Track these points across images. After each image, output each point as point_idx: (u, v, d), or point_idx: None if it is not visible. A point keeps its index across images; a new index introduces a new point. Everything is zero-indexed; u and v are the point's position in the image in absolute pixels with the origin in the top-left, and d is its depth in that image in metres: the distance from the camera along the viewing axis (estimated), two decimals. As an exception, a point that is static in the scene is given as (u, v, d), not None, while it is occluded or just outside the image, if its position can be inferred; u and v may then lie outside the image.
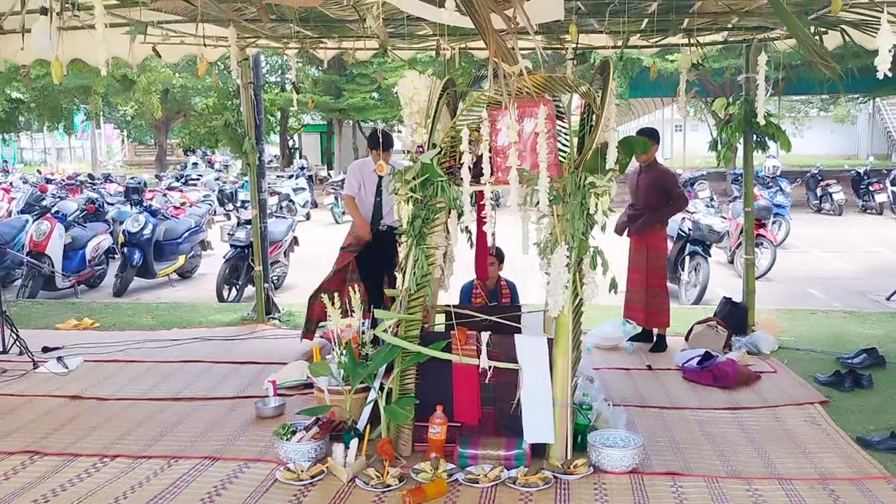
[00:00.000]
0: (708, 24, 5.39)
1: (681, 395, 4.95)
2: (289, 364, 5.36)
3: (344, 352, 4.16)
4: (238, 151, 6.61)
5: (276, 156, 37.75)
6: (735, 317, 6.13)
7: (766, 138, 6.01)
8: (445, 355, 3.90)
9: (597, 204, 3.63)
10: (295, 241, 9.74)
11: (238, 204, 13.06)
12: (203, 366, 5.68)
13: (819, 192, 17.63)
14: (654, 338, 6.07)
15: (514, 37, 3.17)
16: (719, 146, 6.12)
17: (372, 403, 4.08)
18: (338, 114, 25.36)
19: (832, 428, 4.33)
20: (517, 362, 3.89)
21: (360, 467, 3.78)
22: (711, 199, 14.50)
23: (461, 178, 3.80)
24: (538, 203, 3.76)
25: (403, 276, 3.95)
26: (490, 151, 3.79)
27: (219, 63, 25.98)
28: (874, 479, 3.64)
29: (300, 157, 34.84)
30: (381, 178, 5.98)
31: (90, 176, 18.91)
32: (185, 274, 10.29)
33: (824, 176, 18.10)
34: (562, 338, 3.87)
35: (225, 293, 8.48)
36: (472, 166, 3.77)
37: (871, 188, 17.06)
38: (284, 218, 9.55)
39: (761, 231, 9.57)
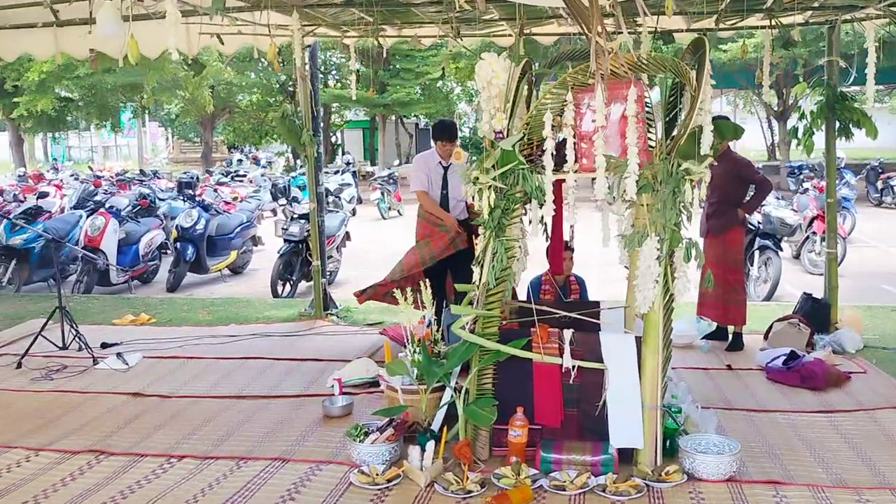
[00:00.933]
0: (792, 3, 5.08)
1: (767, 397, 4.67)
2: (353, 361, 5.19)
3: (417, 349, 3.97)
4: (296, 143, 6.46)
5: (319, 152, 37.96)
6: (817, 314, 5.82)
7: (850, 125, 5.67)
8: (527, 354, 3.68)
9: (693, 192, 3.38)
10: (347, 236, 9.61)
11: (291, 198, 12.97)
12: (264, 363, 5.55)
13: (880, 184, 17.01)
14: (731, 336, 5.78)
15: (619, 8, 2.94)
16: (799, 134, 5.79)
17: (446, 404, 3.88)
18: (381, 109, 25.23)
19: (942, 434, 4.03)
20: (602, 361, 3.67)
21: (438, 471, 3.58)
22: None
23: (542, 166, 3.58)
24: (624, 192, 3.53)
25: (481, 270, 3.74)
26: (574, 137, 3.56)
27: (263, 58, 26.12)
28: None
29: (343, 153, 34.91)
30: (446, 170, 5.80)
31: (142, 172, 19.04)
32: (236, 269, 10.23)
33: (885, 168, 17.47)
34: (651, 336, 3.63)
35: (279, 288, 8.37)
36: (554, 153, 3.55)
37: (890, 181, 16.40)
38: (337, 212, 9.41)
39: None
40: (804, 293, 6.11)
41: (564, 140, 3.56)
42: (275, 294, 8.29)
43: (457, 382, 3.86)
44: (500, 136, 3.56)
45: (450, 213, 5.81)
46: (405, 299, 4.11)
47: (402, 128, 30.31)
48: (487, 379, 3.77)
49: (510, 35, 6.16)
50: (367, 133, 32.70)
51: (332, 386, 4.78)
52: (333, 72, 30.73)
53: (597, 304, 4.26)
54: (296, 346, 6.04)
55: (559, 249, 4.64)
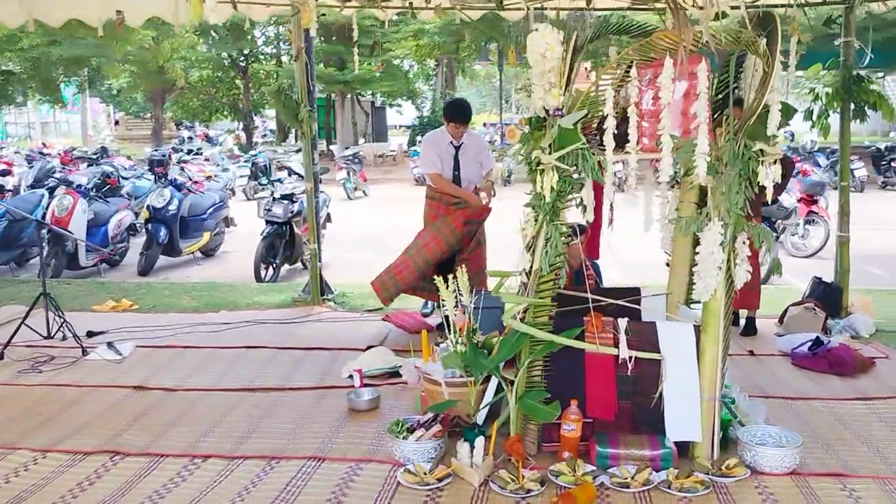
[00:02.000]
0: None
1: (799, 384, 4.58)
2: (369, 350, 4.95)
3: (460, 340, 3.75)
4: (292, 120, 6.14)
5: (271, 130, 37.06)
6: (829, 298, 5.77)
7: (866, 107, 5.61)
8: (581, 344, 3.49)
9: (768, 174, 3.22)
10: (328, 217, 9.30)
11: (273, 178, 12.50)
12: (268, 352, 5.25)
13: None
14: (743, 321, 5.70)
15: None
16: (814, 117, 5.71)
17: (498, 398, 3.68)
18: (340, 86, 24.72)
19: None
20: (659, 351, 3.50)
21: (489, 469, 3.38)
22: None
23: (600, 146, 3.38)
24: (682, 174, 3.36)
25: (532, 256, 3.53)
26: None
27: (216, 31, 25.25)
28: None
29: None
30: (457, 150, 5.57)
31: (103, 150, 18.24)
32: (208, 252, 9.83)
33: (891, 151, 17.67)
34: (712, 325, 3.48)
35: (262, 272, 8.03)
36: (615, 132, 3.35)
37: (892, 164, 16.76)
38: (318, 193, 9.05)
39: (813, 208, 9.22)
40: (815, 277, 6.07)
41: (623, 119, 3.37)
42: (258, 278, 7.96)
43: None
44: (559, 113, 3.34)
45: None
46: (445, 287, 3.86)
47: (359, 106, 29.77)
48: (537, 371, 3.57)
49: (521, 8, 5.91)
50: (323, 111, 32.01)
51: (351, 377, 4.54)
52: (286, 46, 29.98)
53: (637, 290, 4.09)
54: (297, 333, 5.76)
55: (597, 235, 4.46)
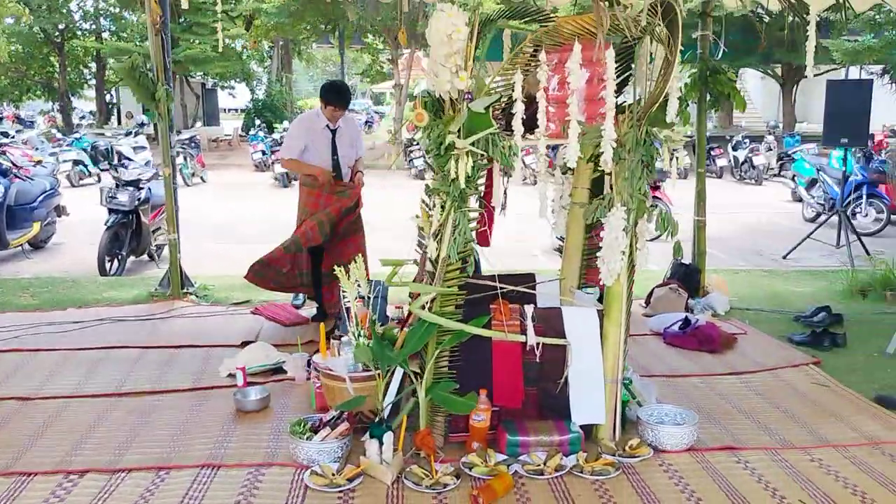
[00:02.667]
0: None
1: (675, 362, 4.79)
2: (248, 346, 4.66)
3: (362, 332, 3.59)
4: (147, 100, 5.65)
5: (91, 112, 34.50)
6: (689, 278, 6.09)
7: (719, 98, 5.94)
8: (491, 333, 3.44)
9: (673, 161, 3.30)
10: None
11: (116, 162, 11.50)
12: (133, 352, 4.83)
13: (742, 157, 18.00)
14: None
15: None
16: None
17: (409, 391, 3.55)
18: (172, 66, 23.34)
19: (842, 389, 4.31)
20: (565, 337, 3.52)
21: (399, 465, 3.26)
22: None
23: (506, 131, 3.34)
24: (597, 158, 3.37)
25: (438, 244, 3.42)
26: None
27: (25, 3, 23.08)
28: (921, 440, 3.63)
29: (119, 114, 32.02)
30: (334, 133, 5.36)
31: None
32: (38, 244, 8.94)
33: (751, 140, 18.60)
34: (615, 309, 3.53)
35: (107, 265, 7.40)
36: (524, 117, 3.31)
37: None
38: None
39: (657, 193, 9.71)
40: (674, 259, 6.37)
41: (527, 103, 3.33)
42: (103, 272, 7.31)
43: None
44: (469, 97, 3.25)
45: (342, 178, 5.40)
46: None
47: (188, 87, 28.27)
48: (444, 361, 3.49)
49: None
50: (149, 93, 30.05)
51: (231, 375, 4.27)
52: (109, 22, 28.00)
53: (532, 276, 4.09)
54: (162, 331, 5.33)
55: (491, 223, 4.42)
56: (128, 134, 16.36)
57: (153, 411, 3.91)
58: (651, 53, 3.50)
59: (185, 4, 5.82)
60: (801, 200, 12.30)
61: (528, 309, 3.52)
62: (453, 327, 3.38)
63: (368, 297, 3.77)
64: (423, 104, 4.01)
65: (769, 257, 8.67)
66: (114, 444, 3.51)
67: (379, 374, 3.46)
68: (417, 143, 19.29)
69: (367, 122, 32.44)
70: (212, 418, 3.82)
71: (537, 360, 3.49)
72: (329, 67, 46.07)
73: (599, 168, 3.57)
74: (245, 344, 4.91)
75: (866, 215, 10.09)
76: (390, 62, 24.41)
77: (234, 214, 11.32)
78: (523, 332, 3.49)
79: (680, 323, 5.20)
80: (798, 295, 6.53)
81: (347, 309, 3.67)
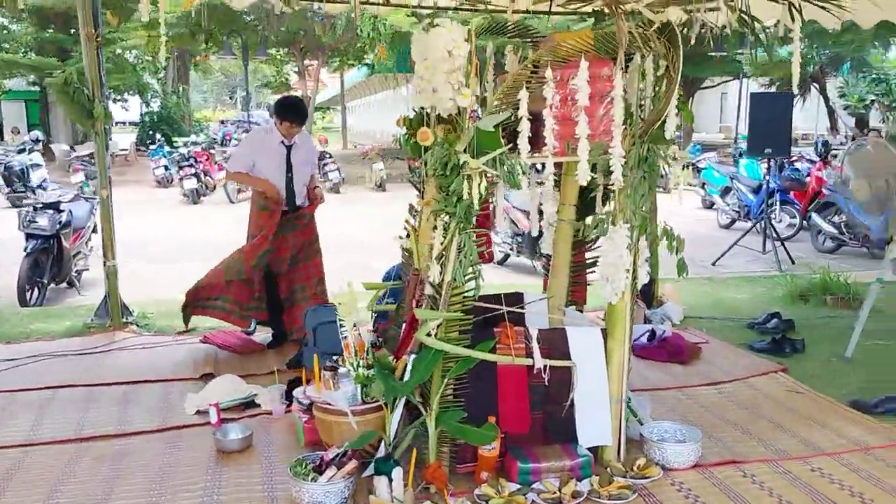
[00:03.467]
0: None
1: (650, 375, 4.80)
2: (215, 380, 4.37)
3: (361, 363, 3.40)
4: (82, 118, 5.26)
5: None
6: (644, 290, 6.14)
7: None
8: (499, 357, 3.32)
9: (681, 178, 3.28)
10: (95, 227, 8.19)
11: (32, 184, 10.64)
12: (82, 392, 4.45)
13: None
14: (573, 316, 5.87)
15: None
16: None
17: (418, 424, 3.37)
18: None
19: (816, 395, 4.42)
20: (570, 358, 3.44)
21: (412, 502, 3.10)
22: None
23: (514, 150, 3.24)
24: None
25: (442, 267, 3.28)
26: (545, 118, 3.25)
27: None
28: (908, 444, 3.75)
29: (14, 131, 30.16)
30: (289, 150, 5.14)
31: None
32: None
33: None
34: (618, 327, 3.49)
35: (27, 295, 6.85)
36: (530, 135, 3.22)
37: None
38: (84, 200, 7.95)
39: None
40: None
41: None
42: (23, 302, 6.77)
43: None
44: (476, 115, 3.14)
45: (296, 198, 5.18)
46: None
47: (81, 101, 26.80)
48: (449, 389, 3.35)
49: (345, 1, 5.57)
50: (36, 106, 28.42)
51: (199, 412, 4.00)
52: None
53: (521, 295, 4.00)
54: (107, 366, 4.94)
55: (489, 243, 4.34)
56: (21, 151, 15.31)
57: (124, 457, 3.60)
58: (643, 70, 3.49)
59: (112, 21, 5.45)
60: (711, 207, 12.77)
61: (534, 331, 3.42)
62: (462, 354, 3.25)
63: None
64: (405, 122, 3.90)
65: (699, 264, 8.89)
66: (95, 498, 3.19)
67: (386, 406, 3.29)
68: (331, 156, 19.00)
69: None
70: (192, 462, 3.54)
71: (546, 383, 3.40)
72: (226, 79, 44.94)
73: (593, 184, 3.55)
74: (206, 377, 4.63)
75: (780, 221, 10.52)
76: (297, 73, 23.95)
77: (141, 232, 10.73)
78: (528, 354, 3.39)
79: (647, 335, 5.23)
80: (742, 302, 6.71)
81: (345, 338, 3.48)
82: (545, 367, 3.38)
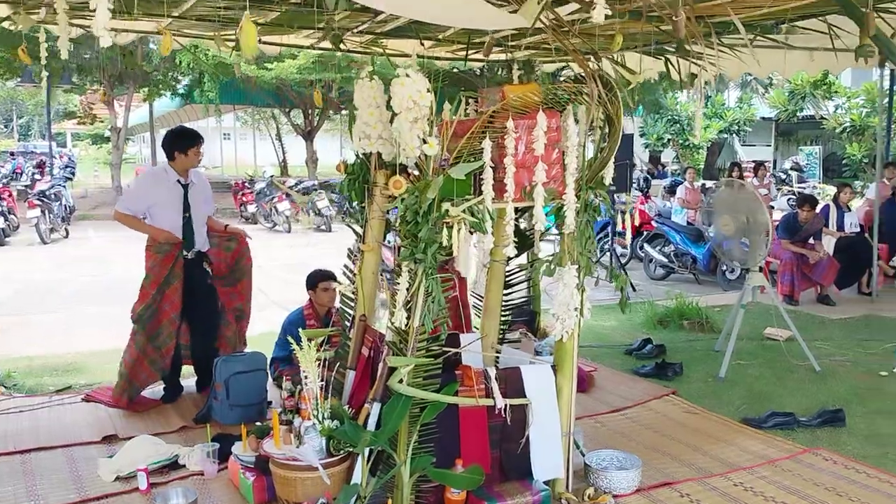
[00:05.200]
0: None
1: (559, 405, 5.02)
2: (130, 442, 4.05)
3: (325, 414, 3.32)
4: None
5: None
6: (530, 321, 6.41)
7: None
8: (465, 400, 3.38)
9: (626, 220, 3.52)
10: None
11: None
12: (-30, 465, 3.95)
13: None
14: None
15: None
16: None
17: (360, 474, 3.32)
18: None
19: (709, 414, 4.84)
20: (525, 395, 3.57)
21: (392, 552, 3.08)
22: None
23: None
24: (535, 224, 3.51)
25: (409, 313, 3.30)
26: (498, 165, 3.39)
27: None
28: (802, 454, 4.21)
29: None
30: (186, 188, 4.90)
31: None
32: None
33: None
34: (567, 363, 3.67)
35: None
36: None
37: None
38: None
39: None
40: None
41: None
42: None
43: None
44: (445, 163, 3.20)
45: (195, 239, 4.94)
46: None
47: None
48: (413, 435, 3.35)
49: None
50: None
51: (120, 479, 3.71)
52: None
53: (456, 335, 4.08)
54: (-13, 433, 4.43)
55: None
56: None
57: (53, 537, 3.26)
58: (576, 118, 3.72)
59: None
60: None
61: (492, 371, 3.52)
62: (431, 399, 3.28)
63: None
64: (345, 167, 3.90)
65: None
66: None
67: (354, 457, 3.23)
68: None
69: (66, 166, 29.54)
70: (136, 534, 3.28)
71: (508, 422, 3.49)
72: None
73: (528, 227, 3.73)
74: (110, 438, 4.29)
75: (614, 250, 11.34)
76: (105, 104, 22.54)
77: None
78: (488, 395, 3.48)
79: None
80: (611, 329, 7.18)
81: (298, 391, 3.39)
82: (506, 406, 3.48)
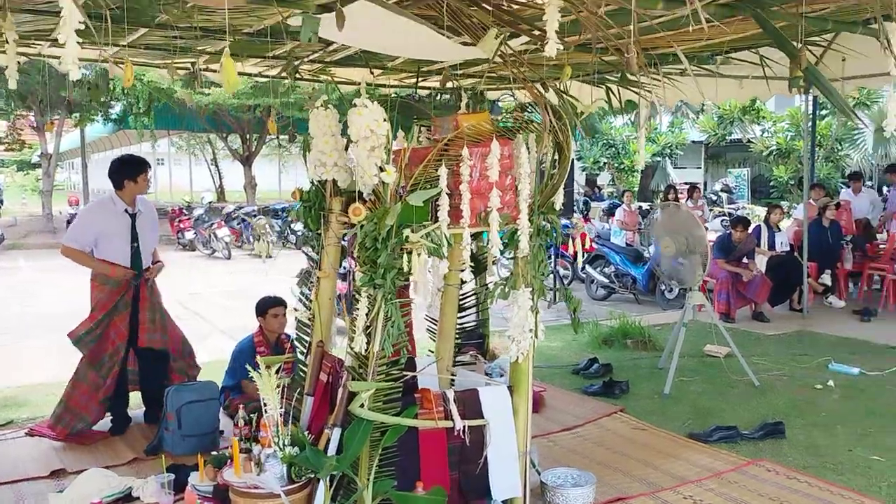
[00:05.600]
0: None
1: (512, 426, 5.10)
2: (81, 476, 3.97)
3: (285, 441, 3.32)
4: None
5: None
6: (481, 345, 6.49)
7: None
8: (425, 423, 3.43)
9: (578, 245, 3.65)
10: None
11: None
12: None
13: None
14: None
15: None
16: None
17: (323, 500, 3.34)
18: None
19: (657, 430, 4.99)
20: (482, 416, 3.63)
21: (357, 577, 3.09)
22: None
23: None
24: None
25: (369, 338, 3.34)
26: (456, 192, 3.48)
27: None
28: (747, 465, 4.37)
29: None
30: (133, 218, 4.86)
31: None
32: None
33: None
34: (522, 383, 3.75)
35: None
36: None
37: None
38: None
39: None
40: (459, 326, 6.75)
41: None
42: None
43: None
44: (403, 190, 3.27)
45: (142, 269, 4.88)
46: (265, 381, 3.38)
47: None
48: (374, 459, 3.38)
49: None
50: None
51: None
52: None
53: (412, 359, 4.12)
54: (-73, 472, 4.27)
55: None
56: None
57: (5, 575, 3.18)
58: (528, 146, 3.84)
59: None
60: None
61: (450, 393, 3.58)
62: (392, 422, 3.32)
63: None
64: (300, 194, 3.93)
65: (498, 317, 9.50)
66: None
67: (316, 483, 3.24)
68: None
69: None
70: (93, 569, 3.22)
71: (466, 443, 3.55)
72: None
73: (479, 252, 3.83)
74: (58, 473, 4.20)
75: (557, 272, 11.55)
76: (34, 129, 21.96)
77: None
78: (447, 417, 3.54)
79: (499, 388, 5.54)
80: (557, 349, 7.32)
81: (250, 418, 3.40)
82: (464, 427, 3.54)
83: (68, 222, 17.88)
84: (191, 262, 15.53)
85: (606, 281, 10.71)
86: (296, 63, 4.43)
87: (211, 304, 10.21)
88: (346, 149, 3.80)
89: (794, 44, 3.24)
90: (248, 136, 22.06)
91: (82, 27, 2.19)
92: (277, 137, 20.67)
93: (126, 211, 4.84)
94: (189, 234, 17.27)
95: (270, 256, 14.41)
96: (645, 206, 16.02)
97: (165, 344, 5.00)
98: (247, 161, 22.25)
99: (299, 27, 2.85)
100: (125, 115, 21.07)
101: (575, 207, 12.49)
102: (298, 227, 17.27)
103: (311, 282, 3.99)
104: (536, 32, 3.57)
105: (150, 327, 4.89)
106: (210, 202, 19.05)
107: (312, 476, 3.31)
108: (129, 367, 5.00)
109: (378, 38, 3.74)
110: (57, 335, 7.59)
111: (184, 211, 18.50)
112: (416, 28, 3.54)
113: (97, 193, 35.46)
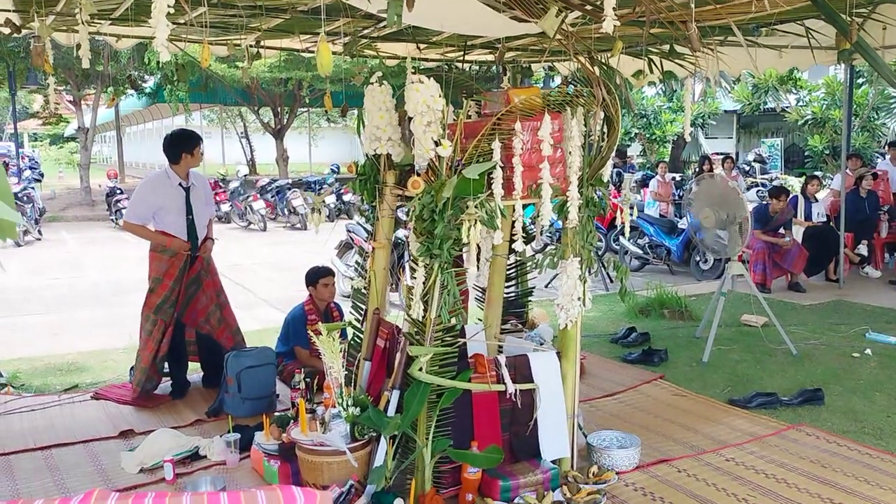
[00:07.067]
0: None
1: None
2: (151, 435, 4.19)
3: (350, 402, 3.51)
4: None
5: None
6: (521, 314, 6.64)
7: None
8: (478, 385, 3.59)
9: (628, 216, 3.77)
10: None
11: None
12: (-5, 462, 4.07)
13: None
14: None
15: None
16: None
17: (383, 457, 3.52)
18: None
19: (697, 396, 5.12)
20: (533, 381, 3.79)
21: (416, 530, 3.28)
22: None
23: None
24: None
25: (426, 305, 3.50)
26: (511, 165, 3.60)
27: None
28: (787, 430, 4.49)
29: None
30: (188, 191, 5.04)
31: None
32: None
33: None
34: (570, 349, 3.89)
35: None
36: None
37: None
38: None
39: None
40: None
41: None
42: None
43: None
44: (461, 163, 3.41)
45: (198, 241, 5.07)
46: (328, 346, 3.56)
47: None
48: (432, 419, 3.56)
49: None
50: None
51: (144, 471, 3.87)
52: None
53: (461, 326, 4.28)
54: (7, 431, 4.53)
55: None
56: None
57: (89, 525, 3.40)
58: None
59: None
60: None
61: (502, 358, 3.74)
62: (448, 385, 3.49)
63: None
64: (357, 167, 4.08)
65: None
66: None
67: (377, 441, 3.43)
68: (122, 192, 17.93)
69: (31, 167, 29.18)
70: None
71: (518, 405, 3.71)
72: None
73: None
74: (126, 433, 4.44)
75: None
76: (72, 104, 22.31)
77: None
78: (499, 381, 3.70)
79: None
80: (595, 319, 7.44)
81: (313, 381, 3.57)
82: (516, 391, 3.70)
83: (108, 195, 18.25)
84: (228, 233, 15.81)
85: (640, 252, 10.78)
86: (355, 40, 4.55)
87: (252, 275, 10.45)
88: (400, 123, 3.94)
89: (844, 16, 3.30)
90: (279, 110, 22.22)
91: (172, 11, 2.34)
92: (327, 113, 20.76)
93: (181, 185, 5.02)
94: (225, 207, 17.55)
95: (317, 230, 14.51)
96: (678, 177, 15.98)
97: (214, 334, 5.20)
98: (278, 134, 22.43)
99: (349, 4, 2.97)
100: (159, 88, 21.30)
101: (613, 180, 12.52)
102: (330, 199, 17.49)
103: (365, 252, 4.14)
104: (589, 7, 3.66)
105: (202, 320, 5.12)
106: (245, 175, 19.29)
107: (374, 435, 3.50)
108: (188, 338, 5.21)
109: (435, 14, 3.85)
110: (106, 307, 7.89)
111: (219, 184, 18.78)
112: (469, 3, 3.65)
113: (132, 167, 36.05)
